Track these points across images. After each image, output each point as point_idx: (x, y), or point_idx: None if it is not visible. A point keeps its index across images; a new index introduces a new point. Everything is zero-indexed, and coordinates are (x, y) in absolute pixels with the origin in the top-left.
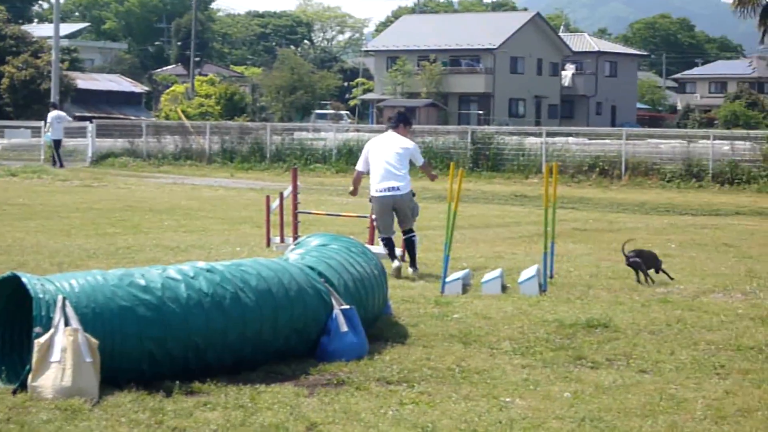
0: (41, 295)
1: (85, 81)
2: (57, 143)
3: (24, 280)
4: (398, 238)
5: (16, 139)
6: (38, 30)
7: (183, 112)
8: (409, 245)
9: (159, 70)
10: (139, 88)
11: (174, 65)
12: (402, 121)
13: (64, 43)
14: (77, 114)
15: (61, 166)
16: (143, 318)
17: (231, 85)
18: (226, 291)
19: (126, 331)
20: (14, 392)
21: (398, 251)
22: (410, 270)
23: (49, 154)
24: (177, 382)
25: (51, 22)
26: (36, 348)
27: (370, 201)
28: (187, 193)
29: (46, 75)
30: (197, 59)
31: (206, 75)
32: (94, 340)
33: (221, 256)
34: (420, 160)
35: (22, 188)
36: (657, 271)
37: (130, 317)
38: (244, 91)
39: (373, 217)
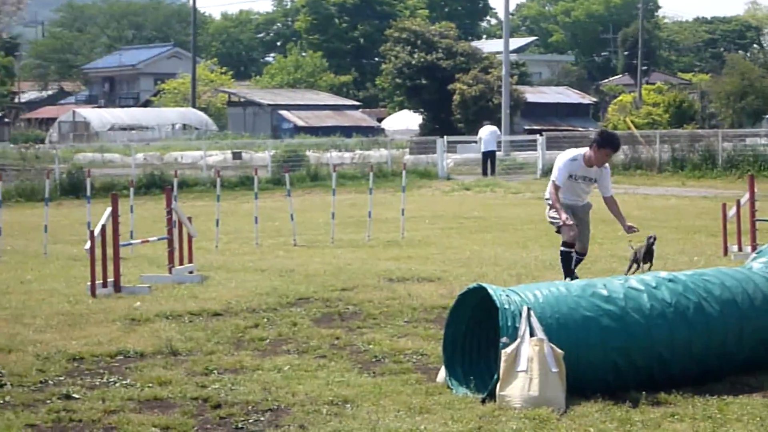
0: (507, 306)
1: (533, 94)
2: (490, 155)
3: (490, 291)
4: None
5: (468, 154)
6: (487, 46)
7: (632, 122)
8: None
9: (606, 80)
10: (586, 99)
11: (621, 75)
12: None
13: (513, 57)
14: (526, 127)
15: (490, 174)
16: (607, 328)
17: (679, 92)
18: (689, 301)
19: (590, 341)
20: (483, 401)
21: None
22: None
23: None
24: (643, 392)
25: (500, 37)
26: (503, 358)
27: None
28: (639, 202)
29: (496, 90)
30: (644, 68)
31: (653, 83)
32: (559, 351)
33: (678, 265)
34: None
35: (476, 201)
36: None
37: (594, 327)
38: (692, 98)
39: None
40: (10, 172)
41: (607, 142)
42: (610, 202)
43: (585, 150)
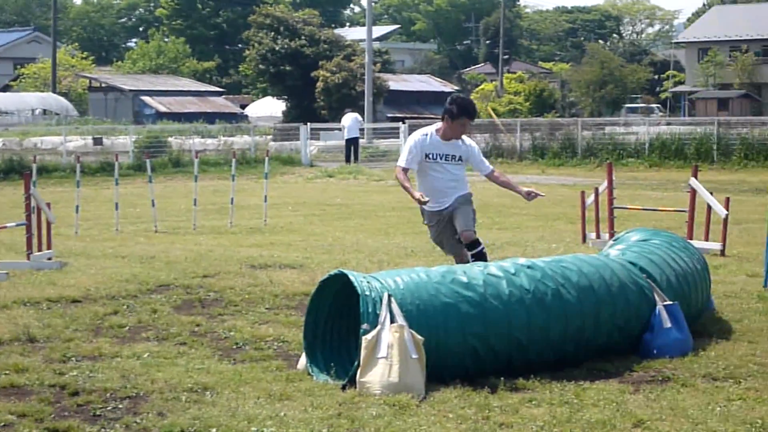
0: (368, 293)
1: (396, 82)
2: (353, 142)
3: (351, 277)
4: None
5: (332, 141)
6: (350, 33)
7: (493, 110)
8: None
9: (468, 69)
10: (448, 87)
11: (482, 64)
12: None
13: (376, 45)
14: (389, 115)
15: (353, 162)
16: (466, 315)
17: (540, 81)
18: (547, 287)
19: (450, 327)
20: (343, 388)
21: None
22: None
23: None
24: (501, 378)
25: (363, 25)
26: (364, 344)
27: None
28: (500, 190)
29: (359, 77)
30: (505, 57)
31: (515, 72)
32: (419, 337)
33: (537, 252)
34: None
35: (339, 189)
36: None
37: (453, 314)
38: (553, 87)
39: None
40: None
41: (462, 110)
42: (496, 177)
43: (438, 125)
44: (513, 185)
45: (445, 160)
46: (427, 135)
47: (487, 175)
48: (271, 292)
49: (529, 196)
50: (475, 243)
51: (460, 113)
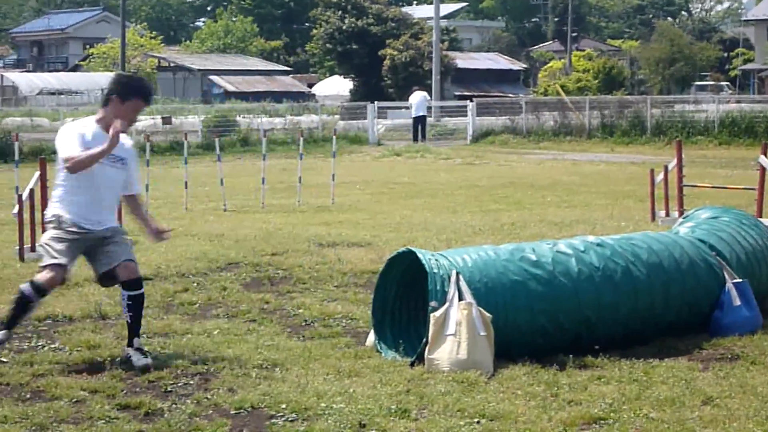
0: (436, 270)
1: (464, 60)
2: (420, 120)
3: (419, 255)
4: None
5: (399, 120)
6: (418, 11)
7: (562, 87)
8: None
9: (536, 47)
10: (516, 65)
11: (551, 41)
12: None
13: (444, 23)
14: (457, 93)
15: (420, 140)
16: (535, 292)
17: (608, 59)
18: (617, 265)
19: (518, 305)
20: (412, 364)
21: None
22: None
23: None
24: (570, 356)
25: (430, 3)
26: (432, 321)
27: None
28: (568, 168)
29: (427, 56)
30: (574, 34)
31: (583, 50)
32: (487, 314)
33: (606, 230)
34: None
35: (406, 167)
36: None
37: (521, 291)
38: (621, 64)
39: None
40: None
41: (135, 90)
42: (134, 203)
43: (97, 114)
44: (146, 218)
45: (110, 161)
46: (86, 128)
47: (131, 195)
48: (339, 270)
49: (159, 235)
50: (138, 282)
51: (132, 94)
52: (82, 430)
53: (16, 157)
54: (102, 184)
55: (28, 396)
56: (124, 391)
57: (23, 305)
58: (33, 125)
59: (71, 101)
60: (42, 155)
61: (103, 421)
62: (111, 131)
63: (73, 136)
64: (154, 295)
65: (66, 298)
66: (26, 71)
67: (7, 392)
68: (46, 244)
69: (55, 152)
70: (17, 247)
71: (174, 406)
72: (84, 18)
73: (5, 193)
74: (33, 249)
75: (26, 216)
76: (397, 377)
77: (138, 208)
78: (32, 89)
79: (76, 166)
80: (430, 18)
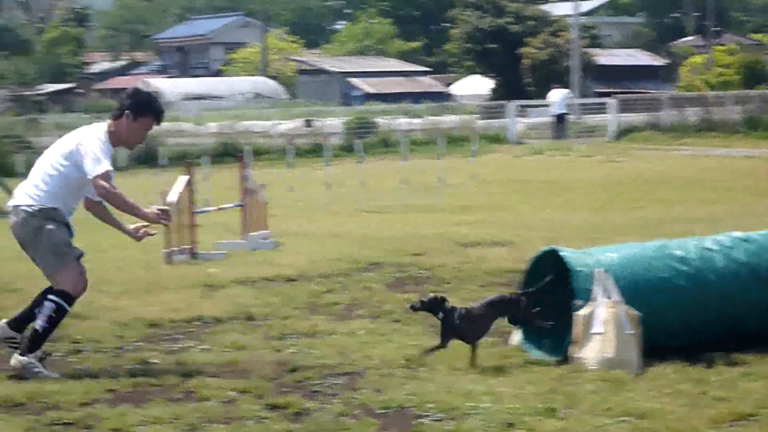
0: (580, 268)
1: (604, 57)
2: (561, 118)
3: (563, 254)
4: None
5: (539, 118)
6: (557, 9)
7: (704, 82)
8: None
9: (677, 42)
10: (658, 61)
11: (692, 36)
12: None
13: (583, 20)
14: (597, 90)
15: (561, 138)
16: (681, 289)
17: (751, 53)
18: (764, 261)
19: (665, 302)
20: (558, 363)
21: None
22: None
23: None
24: (718, 352)
25: (569, 0)
26: (577, 320)
27: None
28: (711, 164)
29: (566, 53)
30: (715, 29)
31: (724, 45)
32: (634, 312)
33: (752, 226)
34: (91, 170)
35: (547, 165)
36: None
37: (668, 288)
38: (765, 59)
39: None
40: None
41: (150, 109)
42: (100, 210)
43: (106, 124)
44: (115, 220)
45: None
46: (106, 140)
47: (96, 202)
48: (481, 270)
49: (139, 234)
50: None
51: (146, 110)
52: (232, 430)
53: (161, 162)
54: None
55: (178, 396)
56: (273, 392)
57: (61, 316)
58: (177, 130)
59: (213, 106)
60: (187, 159)
61: (252, 421)
62: (151, 214)
63: (107, 150)
64: (299, 295)
65: (213, 300)
66: (170, 77)
67: (158, 393)
68: (60, 240)
69: (198, 156)
70: (165, 250)
71: (322, 405)
72: (225, 23)
73: (151, 196)
74: (180, 252)
75: (173, 219)
76: (544, 376)
77: (101, 212)
78: (176, 95)
79: (107, 196)
80: (569, 15)
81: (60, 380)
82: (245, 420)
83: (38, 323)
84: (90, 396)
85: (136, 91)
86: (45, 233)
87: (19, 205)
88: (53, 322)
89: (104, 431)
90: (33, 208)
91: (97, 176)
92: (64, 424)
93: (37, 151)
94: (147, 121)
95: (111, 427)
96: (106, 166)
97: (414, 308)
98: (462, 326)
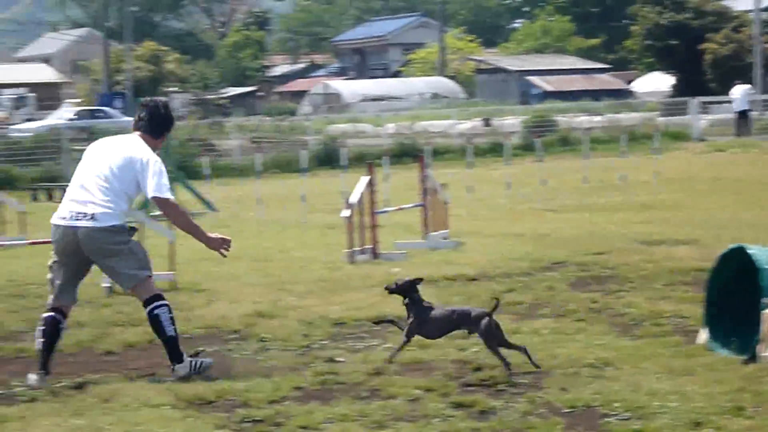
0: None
1: None
2: (744, 114)
3: (751, 252)
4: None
5: (721, 115)
6: (738, 4)
7: None
8: (153, 323)
9: None
10: None
11: None
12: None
13: (765, 15)
14: None
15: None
16: None
17: None
18: None
19: None
20: (746, 362)
21: None
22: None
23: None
24: None
25: None
26: (764, 319)
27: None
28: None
29: (748, 49)
30: None
31: None
32: None
33: None
34: (156, 190)
35: (731, 162)
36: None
37: None
38: None
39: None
40: (267, 144)
41: (167, 128)
42: None
43: (139, 135)
44: None
45: None
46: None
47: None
48: (666, 268)
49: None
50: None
51: (164, 130)
52: (419, 428)
53: (343, 162)
54: None
55: (364, 394)
56: (458, 390)
57: (172, 313)
58: (356, 131)
59: (392, 107)
60: (366, 160)
61: (438, 419)
62: (213, 241)
63: (164, 168)
64: (480, 295)
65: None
66: (349, 78)
67: (344, 391)
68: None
69: (378, 157)
70: (347, 250)
71: (507, 404)
72: (403, 24)
73: (332, 197)
74: (362, 251)
75: (355, 219)
76: (731, 375)
77: None
78: (354, 96)
79: (178, 220)
80: (750, 10)
81: (248, 378)
82: (431, 418)
83: (166, 334)
84: (278, 394)
85: (156, 111)
86: (131, 246)
87: (97, 218)
88: (173, 321)
89: (293, 428)
90: (113, 221)
91: (162, 197)
92: (254, 421)
93: (223, 154)
94: (163, 138)
95: (299, 424)
96: (167, 183)
97: (388, 289)
98: (419, 317)
